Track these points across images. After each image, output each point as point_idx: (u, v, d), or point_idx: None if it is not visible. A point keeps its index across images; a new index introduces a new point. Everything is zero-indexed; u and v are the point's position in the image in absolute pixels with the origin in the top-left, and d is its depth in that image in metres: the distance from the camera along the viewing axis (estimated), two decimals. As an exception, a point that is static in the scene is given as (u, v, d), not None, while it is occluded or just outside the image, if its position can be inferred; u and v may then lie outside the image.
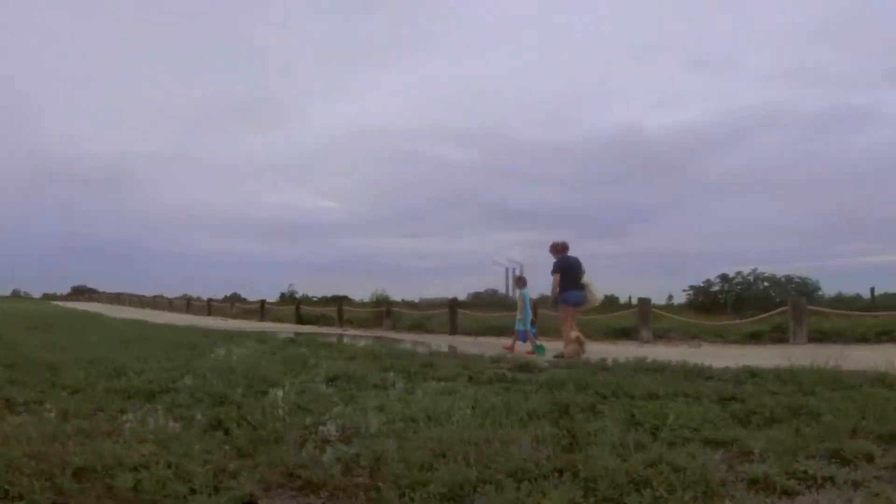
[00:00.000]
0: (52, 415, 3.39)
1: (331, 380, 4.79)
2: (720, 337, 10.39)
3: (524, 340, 8.98)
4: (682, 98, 76.86)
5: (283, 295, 32.14)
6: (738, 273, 34.32)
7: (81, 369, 4.95)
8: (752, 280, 34.53)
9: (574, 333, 7.48)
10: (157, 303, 31.24)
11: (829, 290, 29.38)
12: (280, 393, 4.09)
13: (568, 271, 7.86)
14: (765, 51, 67.49)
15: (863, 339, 8.51)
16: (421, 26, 78.83)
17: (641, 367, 5.33)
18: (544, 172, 76.03)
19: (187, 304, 27.41)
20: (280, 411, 3.35)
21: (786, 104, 65.62)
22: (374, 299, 19.07)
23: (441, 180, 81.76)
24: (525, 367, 5.71)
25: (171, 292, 32.94)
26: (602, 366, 5.61)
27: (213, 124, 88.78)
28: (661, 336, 10.59)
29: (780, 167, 66.05)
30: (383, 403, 3.63)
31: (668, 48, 74.31)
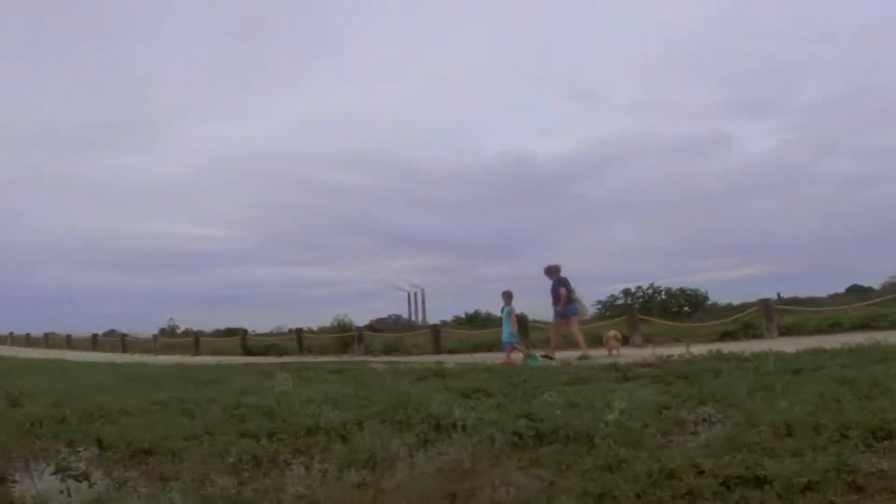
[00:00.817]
0: (320, 466, 2.96)
1: (465, 396, 4.71)
2: (695, 338, 11.60)
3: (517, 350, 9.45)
4: (561, 127, 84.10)
5: (163, 329, 30.01)
6: (639, 287, 38.44)
7: (208, 414, 4.34)
8: (651, 293, 38.74)
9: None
10: (49, 340, 26.77)
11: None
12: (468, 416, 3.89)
13: (567, 288, 9.25)
14: (630, 82, 76.39)
15: (819, 331, 10.07)
16: (315, 53, 78.04)
17: (723, 357, 5.94)
18: (438, 198, 78.73)
19: (93, 341, 23.89)
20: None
21: (648, 133, 74.74)
22: (337, 324, 18.49)
23: (335, 206, 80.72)
24: (614, 367, 6.06)
25: (34, 330, 30.08)
26: (686, 360, 6.14)
27: (78, 147, 79.28)
28: (648, 340, 11.56)
29: (645, 192, 74.66)
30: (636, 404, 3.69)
31: (549, 79, 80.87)
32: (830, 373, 3.94)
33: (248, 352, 18.16)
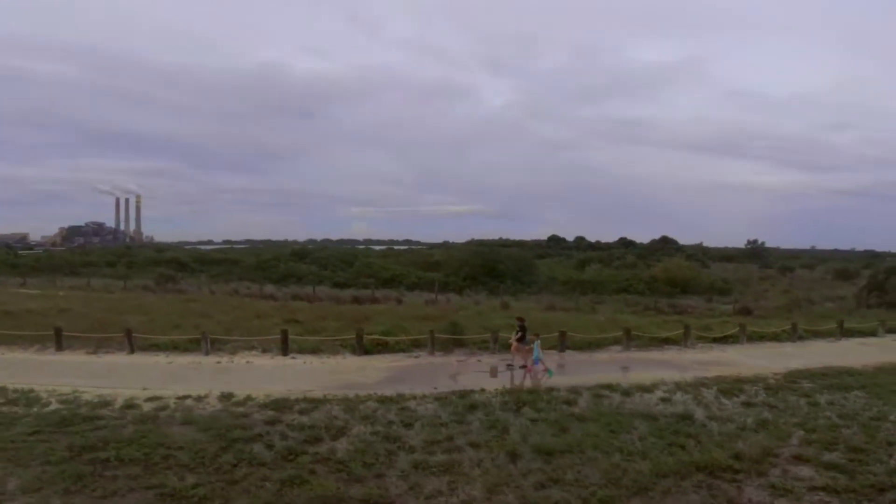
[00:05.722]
0: None
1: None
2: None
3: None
4: (328, 47, 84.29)
5: None
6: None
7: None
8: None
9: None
10: None
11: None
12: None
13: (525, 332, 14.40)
14: (407, 19, 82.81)
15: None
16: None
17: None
18: (171, 100, 70.62)
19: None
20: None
21: (409, 70, 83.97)
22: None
23: (15, 95, 63.24)
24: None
25: None
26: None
27: None
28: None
29: (397, 125, 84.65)
30: None
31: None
32: None
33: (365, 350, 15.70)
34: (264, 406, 10.75)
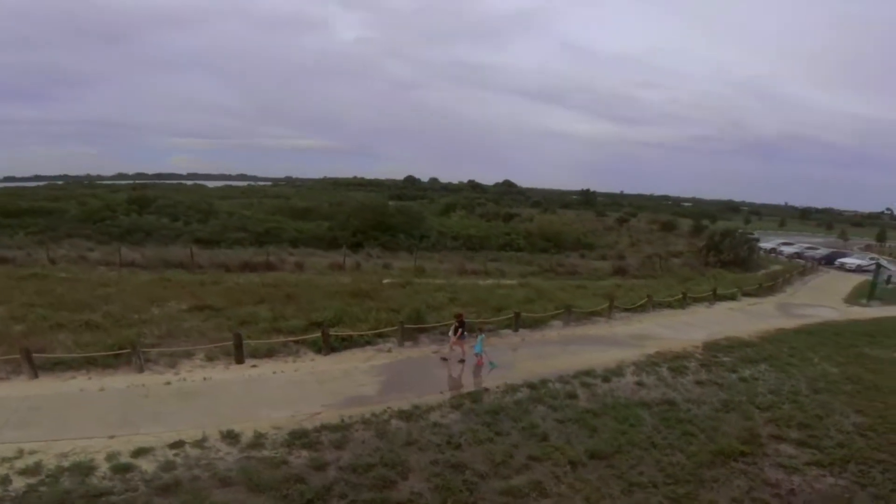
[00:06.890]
0: None
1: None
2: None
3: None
4: None
5: None
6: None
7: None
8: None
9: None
10: None
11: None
12: None
13: (464, 327, 15.38)
14: None
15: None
16: None
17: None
18: None
19: None
20: None
21: None
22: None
23: None
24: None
25: None
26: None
27: None
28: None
29: (233, 53, 76.91)
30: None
31: None
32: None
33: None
34: (288, 444, 9.75)
